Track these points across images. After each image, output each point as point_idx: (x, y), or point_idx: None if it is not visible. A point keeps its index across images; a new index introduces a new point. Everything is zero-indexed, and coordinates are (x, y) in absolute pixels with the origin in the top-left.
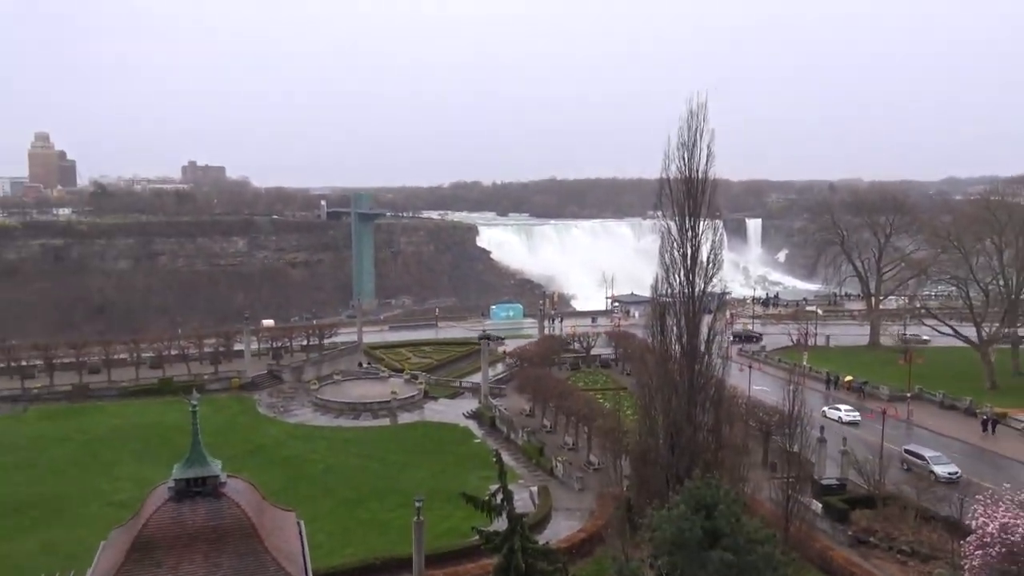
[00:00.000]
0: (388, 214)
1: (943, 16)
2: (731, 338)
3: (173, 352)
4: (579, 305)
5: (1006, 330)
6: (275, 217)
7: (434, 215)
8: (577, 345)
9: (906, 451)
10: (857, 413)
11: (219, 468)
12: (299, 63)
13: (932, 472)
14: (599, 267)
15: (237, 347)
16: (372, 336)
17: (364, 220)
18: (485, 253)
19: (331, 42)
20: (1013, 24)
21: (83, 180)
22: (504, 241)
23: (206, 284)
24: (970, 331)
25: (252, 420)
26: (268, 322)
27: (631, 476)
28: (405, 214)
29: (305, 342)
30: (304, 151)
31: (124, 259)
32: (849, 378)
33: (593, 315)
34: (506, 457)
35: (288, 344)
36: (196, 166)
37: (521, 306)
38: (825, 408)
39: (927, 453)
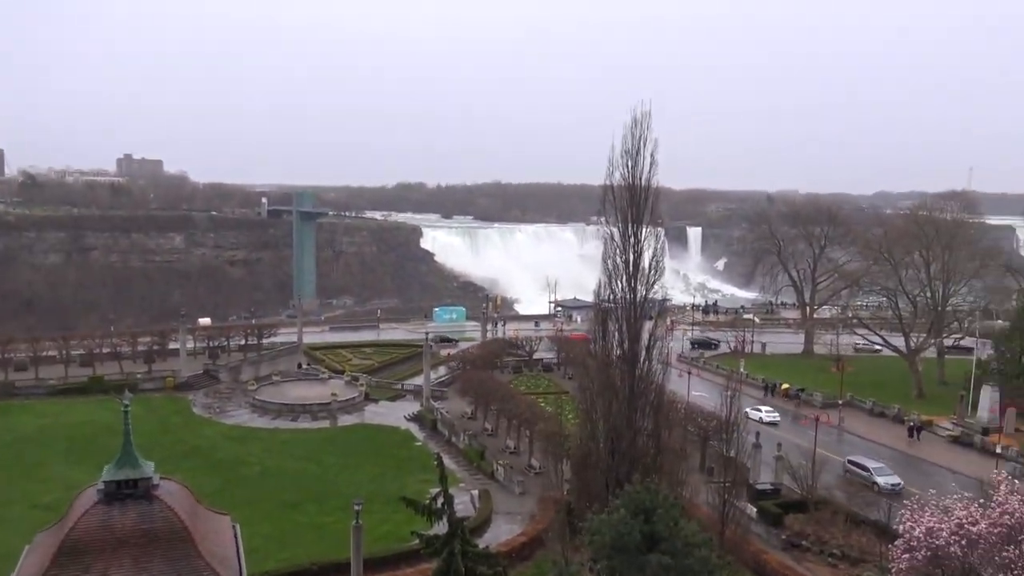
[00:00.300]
0: (331, 213)
1: (873, 42)
2: (691, 344)
3: (105, 350)
4: (522, 309)
5: (933, 340)
6: (214, 213)
7: (377, 215)
8: (519, 350)
9: (849, 462)
10: (777, 414)
11: (151, 470)
12: (243, 56)
13: (875, 483)
14: (542, 271)
15: (172, 346)
16: (312, 337)
17: (306, 219)
18: (429, 255)
19: (275, 37)
20: (939, 50)
21: (11, 170)
22: (448, 243)
23: (141, 281)
24: (899, 341)
25: (187, 421)
26: (205, 321)
27: (572, 480)
28: (348, 214)
29: (243, 342)
30: (245, 147)
31: (55, 253)
32: (786, 386)
33: (536, 319)
34: (447, 460)
35: (225, 344)
36: (132, 159)
37: (464, 309)
38: (748, 409)
39: (871, 464)
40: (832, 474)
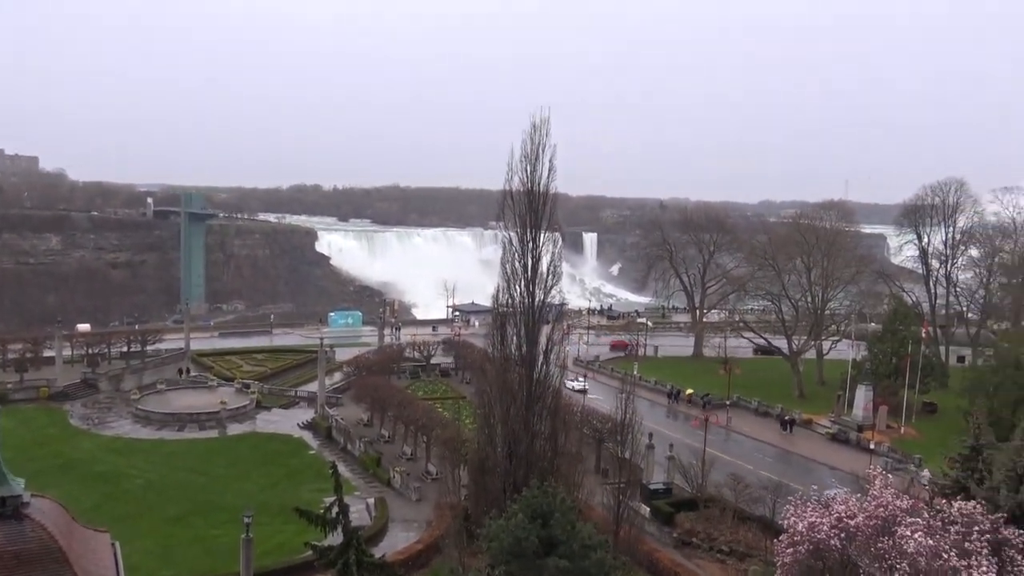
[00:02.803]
0: (221, 215)
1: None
2: (608, 348)
3: None
4: (420, 314)
5: (813, 342)
6: (94, 213)
7: (271, 218)
8: (417, 354)
9: None
10: (585, 382)
11: (22, 487)
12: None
13: None
14: (441, 276)
15: (47, 353)
16: (201, 343)
17: (195, 220)
18: (324, 259)
19: (163, 28)
20: (816, 64)
21: None
22: (344, 247)
23: (12, 284)
24: (783, 343)
25: (62, 433)
26: (84, 326)
27: (469, 486)
28: (240, 215)
29: (126, 348)
30: (129, 146)
31: None
32: (690, 391)
33: (434, 324)
34: (342, 468)
35: (106, 351)
36: (4, 155)
37: (360, 313)
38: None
39: None
40: (720, 472)
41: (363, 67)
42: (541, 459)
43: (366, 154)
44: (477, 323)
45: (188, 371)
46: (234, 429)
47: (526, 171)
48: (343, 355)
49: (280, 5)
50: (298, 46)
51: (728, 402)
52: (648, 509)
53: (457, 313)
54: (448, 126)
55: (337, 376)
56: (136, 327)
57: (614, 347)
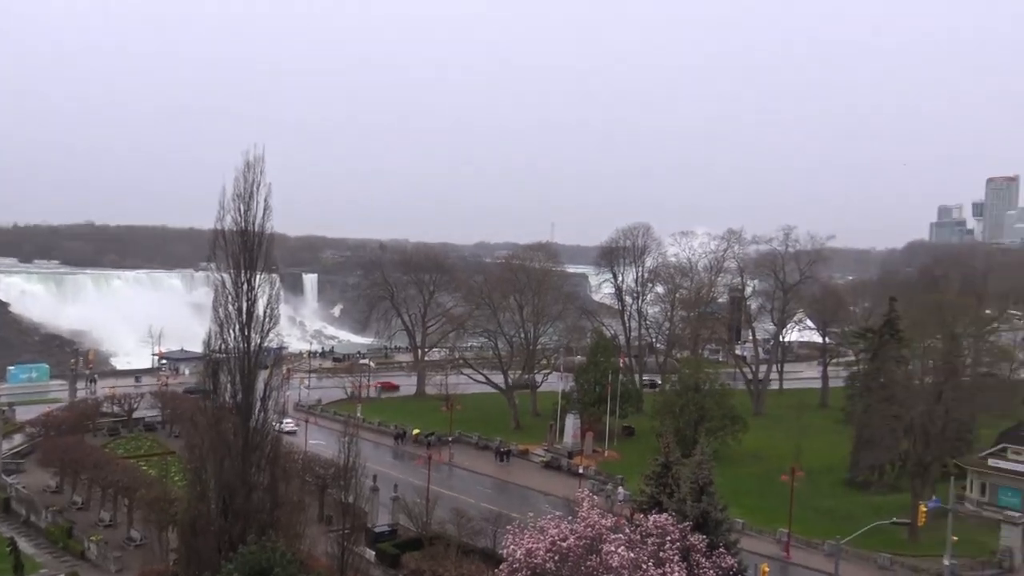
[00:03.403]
0: None
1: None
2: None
3: None
4: (121, 363)
5: (527, 376)
6: None
7: None
8: (117, 408)
9: None
10: (294, 423)
11: None
12: None
13: None
14: (145, 322)
15: None
16: None
17: None
18: (2, 305)
19: None
20: (512, 116)
21: None
22: (27, 291)
23: None
24: (499, 378)
25: None
26: None
27: (179, 548)
28: None
29: None
30: None
31: None
32: (417, 431)
33: (137, 374)
34: (24, 544)
35: None
36: None
37: (47, 366)
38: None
39: None
40: (444, 508)
41: (53, 78)
42: (260, 512)
43: (50, 186)
44: (187, 371)
45: None
46: None
47: (239, 210)
48: (26, 414)
49: None
50: None
51: (450, 438)
52: (373, 553)
53: (164, 361)
54: (153, 161)
55: (18, 438)
56: None
57: (384, 387)
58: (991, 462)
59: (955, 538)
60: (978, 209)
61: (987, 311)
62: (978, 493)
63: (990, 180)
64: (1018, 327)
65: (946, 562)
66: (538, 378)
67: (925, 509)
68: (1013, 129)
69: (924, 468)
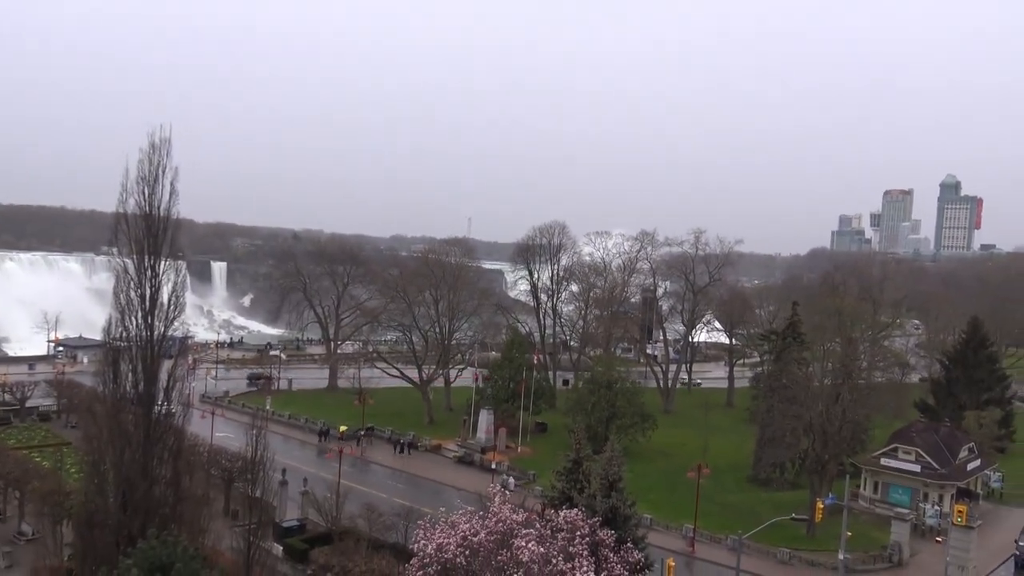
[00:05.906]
0: None
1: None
2: (247, 380)
3: None
4: (13, 350)
5: (441, 371)
6: None
7: None
8: (8, 396)
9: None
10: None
11: None
12: None
13: None
14: (41, 307)
15: None
16: None
17: None
18: None
19: None
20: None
21: None
22: None
23: None
24: (413, 373)
25: None
26: None
27: (75, 543)
28: None
29: None
30: None
31: None
32: (344, 428)
33: (31, 361)
34: None
35: None
36: None
37: None
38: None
39: None
40: (355, 503)
41: None
42: (161, 506)
43: None
44: (86, 359)
45: None
46: None
47: (143, 193)
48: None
49: None
50: None
51: (362, 432)
52: (281, 548)
53: (61, 348)
54: (51, 135)
55: None
56: None
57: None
58: (883, 461)
59: (849, 533)
60: (875, 220)
61: (882, 317)
62: (871, 491)
63: (887, 192)
64: (910, 333)
65: (841, 556)
66: (452, 373)
67: (822, 506)
68: (913, 141)
69: (822, 466)
